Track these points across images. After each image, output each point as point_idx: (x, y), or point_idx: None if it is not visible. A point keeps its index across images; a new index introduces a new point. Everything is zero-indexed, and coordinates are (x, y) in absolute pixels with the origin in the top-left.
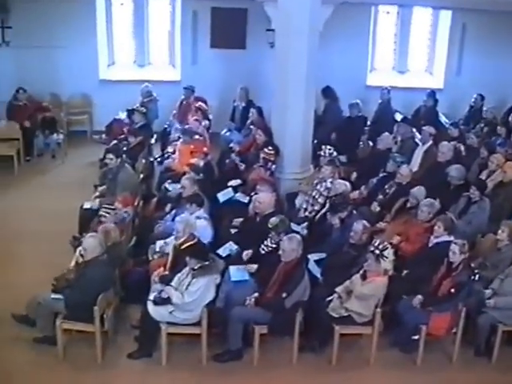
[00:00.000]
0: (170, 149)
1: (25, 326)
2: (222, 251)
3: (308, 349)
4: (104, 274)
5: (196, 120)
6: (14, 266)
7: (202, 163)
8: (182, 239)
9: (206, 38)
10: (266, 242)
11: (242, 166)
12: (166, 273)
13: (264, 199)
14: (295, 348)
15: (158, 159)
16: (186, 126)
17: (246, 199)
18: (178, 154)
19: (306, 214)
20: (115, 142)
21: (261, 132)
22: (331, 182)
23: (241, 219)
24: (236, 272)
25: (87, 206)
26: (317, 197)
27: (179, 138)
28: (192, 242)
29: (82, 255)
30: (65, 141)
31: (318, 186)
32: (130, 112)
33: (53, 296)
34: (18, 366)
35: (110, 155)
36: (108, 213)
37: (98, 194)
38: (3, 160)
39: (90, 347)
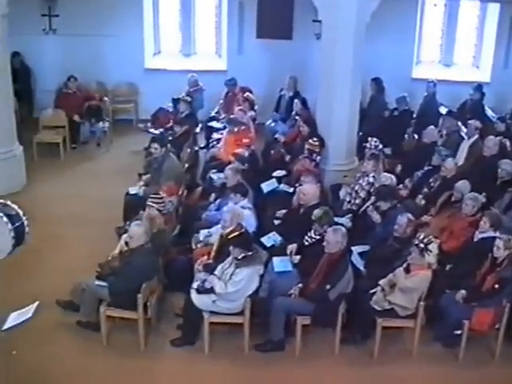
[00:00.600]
0: (215, 138)
1: (69, 312)
2: (266, 241)
3: (350, 341)
4: (148, 262)
5: (241, 110)
6: (58, 252)
7: (246, 153)
8: (230, 229)
9: (252, 28)
10: (309, 234)
11: (288, 157)
12: (210, 261)
13: (308, 190)
14: (337, 340)
15: (204, 149)
16: (231, 116)
17: (290, 190)
18: (223, 144)
19: (349, 206)
20: (161, 131)
21: (304, 124)
22: (373, 177)
23: (284, 210)
24: (279, 263)
25: (133, 191)
26: (359, 191)
27: (224, 127)
28: (239, 232)
29: (126, 243)
30: (110, 129)
31: (361, 180)
32: (176, 101)
33: (97, 283)
34: (62, 350)
35: (155, 145)
36: (156, 203)
37: (142, 182)
38: (50, 147)
39: (133, 334)
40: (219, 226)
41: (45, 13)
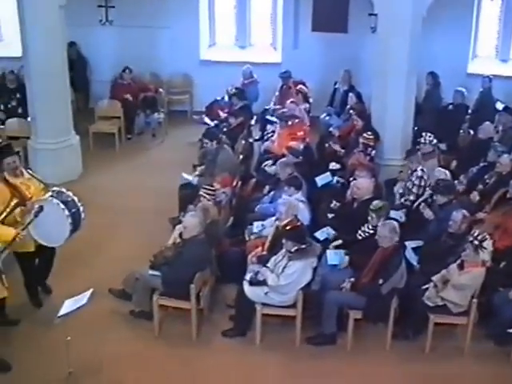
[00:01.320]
0: (269, 130)
1: (121, 300)
2: (320, 235)
3: (401, 336)
4: (202, 253)
5: (292, 102)
6: (112, 241)
7: (301, 146)
8: (285, 221)
9: (308, 21)
10: (363, 228)
11: (341, 152)
12: (264, 253)
13: (363, 185)
14: (389, 335)
15: (258, 141)
16: (282, 110)
17: (344, 184)
18: (276, 137)
19: (403, 201)
20: (215, 123)
21: (358, 117)
22: (422, 170)
23: (338, 204)
24: (333, 256)
25: (187, 177)
26: (410, 187)
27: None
28: (295, 224)
29: (180, 233)
30: (165, 120)
31: (411, 176)
32: (230, 94)
33: (150, 272)
34: (114, 338)
35: (206, 139)
36: (208, 194)
37: (196, 173)
38: (106, 137)
39: (185, 324)
40: (273, 218)
41: (101, 4)
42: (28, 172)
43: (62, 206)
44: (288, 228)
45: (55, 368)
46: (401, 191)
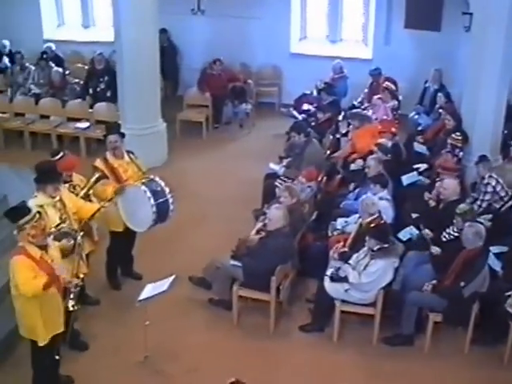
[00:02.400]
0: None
1: (200, 288)
2: (403, 235)
3: (481, 342)
4: (285, 245)
5: (379, 99)
6: (195, 229)
7: (389, 144)
8: (370, 218)
9: (400, 18)
10: (448, 230)
11: (427, 154)
12: (346, 250)
13: (449, 186)
14: (468, 339)
15: (345, 136)
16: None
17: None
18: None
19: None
20: (303, 116)
21: (450, 117)
22: (490, 177)
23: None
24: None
25: (274, 167)
26: (482, 193)
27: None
28: (379, 222)
29: (264, 225)
30: (253, 111)
31: (482, 183)
32: (320, 88)
33: (232, 262)
34: (192, 325)
35: (294, 133)
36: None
37: (283, 164)
38: (193, 125)
39: (264, 316)
40: (357, 215)
41: None
42: (130, 156)
43: (149, 194)
44: (372, 226)
45: (132, 351)
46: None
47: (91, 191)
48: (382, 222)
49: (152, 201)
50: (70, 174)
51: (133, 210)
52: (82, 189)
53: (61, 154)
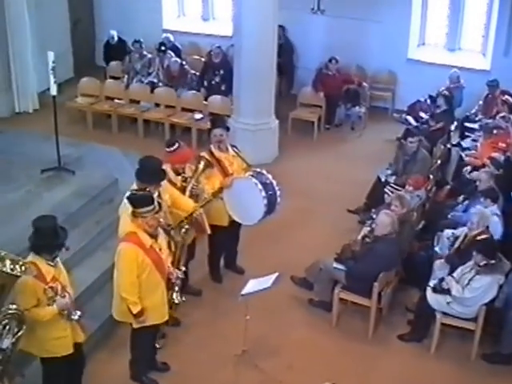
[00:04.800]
0: (469, 139)
1: (302, 288)
2: None
3: None
4: (391, 252)
5: (503, 118)
6: (300, 227)
7: (502, 158)
8: (476, 231)
9: None
10: None
11: None
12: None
13: None
14: None
15: (456, 147)
16: (487, 121)
17: None
18: (479, 147)
19: None
20: (417, 124)
21: None
22: None
23: None
24: None
25: (381, 175)
26: None
27: (480, 128)
28: (485, 236)
29: (371, 229)
30: (366, 114)
31: None
32: (433, 97)
33: (335, 265)
34: (291, 323)
35: (412, 139)
36: (392, 192)
37: (390, 171)
38: (304, 125)
39: (363, 321)
40: (465, 228)
41: None
42: (234, 150)
43: (260, 186)
44: (478, 239)
45: (230, 344)
46: None
47: (200, 180)
48: (489, 235)
49: (263, 193)
50: (184, 166)
51: (241, 204)
52: (191, 178)
53: (176, 145)
